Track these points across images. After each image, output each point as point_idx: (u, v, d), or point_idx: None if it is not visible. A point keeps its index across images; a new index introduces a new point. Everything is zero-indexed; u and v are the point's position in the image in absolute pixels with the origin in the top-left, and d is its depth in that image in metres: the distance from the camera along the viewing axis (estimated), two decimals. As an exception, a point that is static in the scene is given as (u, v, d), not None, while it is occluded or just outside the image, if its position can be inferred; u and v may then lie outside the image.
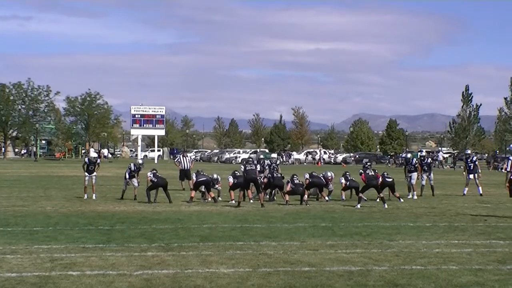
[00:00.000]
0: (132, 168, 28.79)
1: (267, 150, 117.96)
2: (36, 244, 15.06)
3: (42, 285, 10.80)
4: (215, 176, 28.43)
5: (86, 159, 28.54)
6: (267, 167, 27.68)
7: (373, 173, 26.31)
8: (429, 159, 32.12)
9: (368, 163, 28.91)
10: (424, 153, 33.04)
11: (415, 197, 29.32)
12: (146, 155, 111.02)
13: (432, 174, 31.65)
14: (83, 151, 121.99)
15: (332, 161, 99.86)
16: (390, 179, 26.90)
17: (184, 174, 34.21)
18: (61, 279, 11.23)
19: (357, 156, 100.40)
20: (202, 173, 27.29)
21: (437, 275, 11.90)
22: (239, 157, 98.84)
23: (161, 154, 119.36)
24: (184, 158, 34.85)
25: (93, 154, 29.53)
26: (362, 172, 26.48)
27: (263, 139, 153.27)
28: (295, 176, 27.36)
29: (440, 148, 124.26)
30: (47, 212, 22.21)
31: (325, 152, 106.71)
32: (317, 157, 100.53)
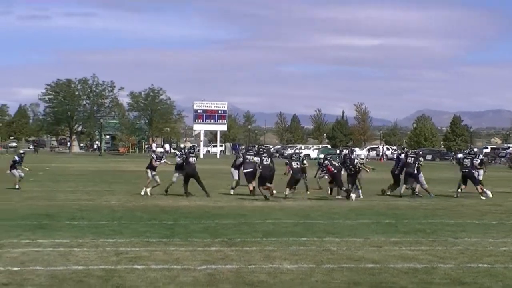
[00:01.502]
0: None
1: (329, 146, 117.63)
2: (102, 237, 15.27)
3: (108, 278, 10.94)
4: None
5: (154, 155, 28.46)
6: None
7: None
8: (482, 156, 30.92)
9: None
10: (475, 150, 32.24)
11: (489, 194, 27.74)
12: (208, 150, 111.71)
13: (482, 171, 30.32)
14: (146, 146, 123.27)
15: (395, 157, 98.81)
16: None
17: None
18: (127, 273, 11.36)
19: (420, 153, 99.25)
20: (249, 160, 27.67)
21: (505, 274, 11.71)
22: (301, 152, 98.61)
23: (223, 149, 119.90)
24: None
25: (159, 149, 29.53)
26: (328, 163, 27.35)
27: (325, 134, 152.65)
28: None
29: (508, 145, 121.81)
30: (112, 206, 22.50)
31: (387, 148, 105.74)
32: (380, 153, 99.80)
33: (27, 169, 31.21)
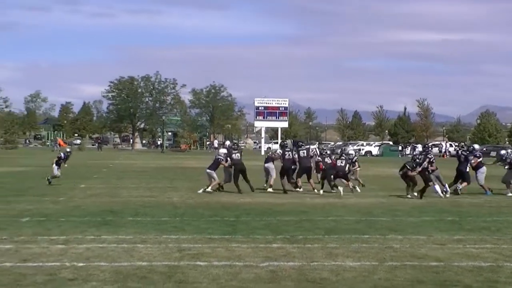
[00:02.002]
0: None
1: (390, 143, 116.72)
2: (164, 234, 15.40)
3: (172, 274, 11.03)
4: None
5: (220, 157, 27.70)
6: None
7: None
8: None
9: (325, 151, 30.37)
10: None
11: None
12: (269, 147, 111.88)
13: None
14: (207, 143, 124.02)
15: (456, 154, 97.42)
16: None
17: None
18: (189, 269, 11.43)
19: (484, 149, 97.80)
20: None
21: None
22: (362, 149, 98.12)
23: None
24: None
25: (223, 150, 29.25)
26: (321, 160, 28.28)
27: (387, 131, 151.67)
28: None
29: None
30: (174, 203, 22.67)
31: (451, 145, 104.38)
32: (443, 149, 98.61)
33: (66, 165, 31.52)
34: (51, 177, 29.92)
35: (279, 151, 29.02)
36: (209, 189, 26.62)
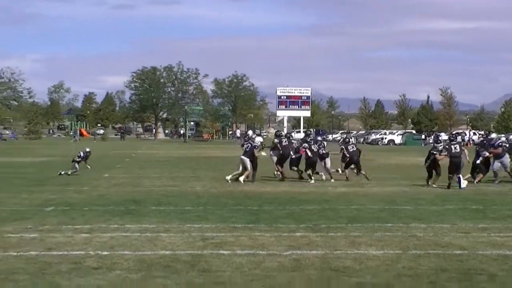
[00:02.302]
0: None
1: (413, 131, 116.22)
2: (188, 223, 15.44)
3: (195, 263, 11.06)
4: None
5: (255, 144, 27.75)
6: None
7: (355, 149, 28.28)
8: None
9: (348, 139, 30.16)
10: None
11: None
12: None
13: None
14: (229, 133, 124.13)
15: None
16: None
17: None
18: (213, 258, 11.46)
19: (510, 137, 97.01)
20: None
21: None
22: (385, 138, 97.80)
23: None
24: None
25: (258, 138, 29.26)
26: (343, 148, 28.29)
27: (409, 120, 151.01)
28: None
29: None
30: (197, 192, 22.72)
31: (474, 133, 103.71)
32: (466, 138, 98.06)
33: (89, 167, 31.56)
34: (65, 172, 29.88)
35: (276, 140, 29.43)
36: (241, 178, 26.16)
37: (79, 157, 31.02)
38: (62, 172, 29.62)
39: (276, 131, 34.90)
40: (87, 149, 32.76)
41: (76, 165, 30.28)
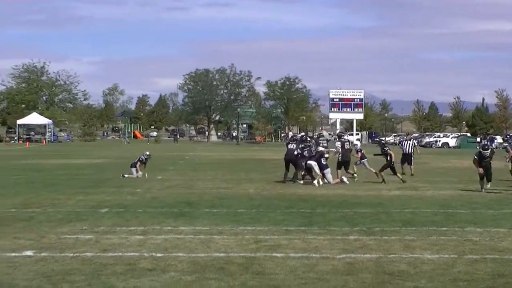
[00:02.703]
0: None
1: (468, 134, 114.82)
2: (241, 225, 15.46)
3: (248, 265, 11.06)
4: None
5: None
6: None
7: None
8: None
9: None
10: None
11: None
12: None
13: None
14: (282, 135, 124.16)
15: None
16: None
17: (405, 159, 33.78)
18: (266, 261, 11.45)
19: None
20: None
21: None
22: (439, 141, 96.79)
23: (360, 138, 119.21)
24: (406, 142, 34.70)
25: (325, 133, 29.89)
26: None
27: (464, 122, 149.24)
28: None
29: None
30: (250, 195, 22.75)
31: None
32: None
33: (146, 176, 30.10)
34: (130, 174, 29.96)
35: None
36: (315, 182, 26.15)
37: (140, 160, 30.58)
38: (126, 175, 29.82)
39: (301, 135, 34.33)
40: (147, 153, 31.94)
41: (134, 170, 30.06)
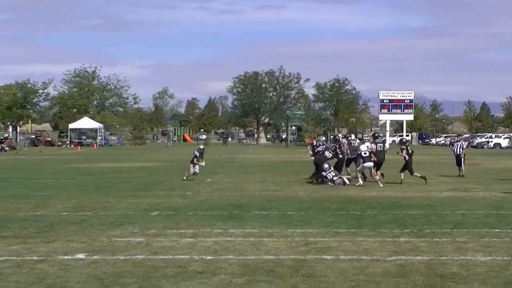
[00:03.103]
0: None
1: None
2: (290, 228, 15.45)
3: (299, 268, 11.05)
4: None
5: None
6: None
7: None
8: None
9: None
10: None
11: None
12: (394, 140, 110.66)
13: None
14: (331, 137, 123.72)
15: None
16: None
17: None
18: (316, 263, 11.42)
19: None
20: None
21: None
22: (491, 141, 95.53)
23: (410, 139, 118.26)
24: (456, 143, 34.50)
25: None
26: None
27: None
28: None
29: None
30: (299, 197, 22.71)
31: None
32: None
33: (203, 164, 31.21)
34: (188, 175, 30.13)
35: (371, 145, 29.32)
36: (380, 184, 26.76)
37: (195, 156, 30.80)
38: (185, 178, 29.88)
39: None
40: (201, 147, 32.95)
41: (191, 166, 30.29)
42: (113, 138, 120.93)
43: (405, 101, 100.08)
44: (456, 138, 34.76)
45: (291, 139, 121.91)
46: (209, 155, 56.72)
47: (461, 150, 32.94)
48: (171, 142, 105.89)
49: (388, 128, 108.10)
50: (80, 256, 12.14)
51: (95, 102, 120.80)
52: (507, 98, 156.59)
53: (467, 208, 19.19)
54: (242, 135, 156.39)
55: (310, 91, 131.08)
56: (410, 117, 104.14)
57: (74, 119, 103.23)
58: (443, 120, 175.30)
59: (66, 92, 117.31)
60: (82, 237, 14.17)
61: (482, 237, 14.05)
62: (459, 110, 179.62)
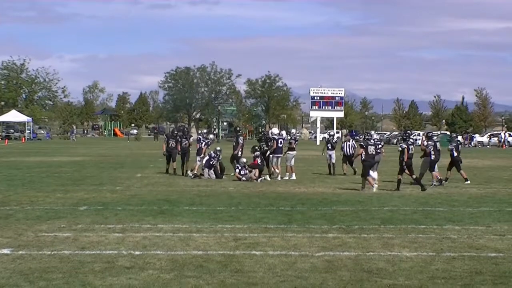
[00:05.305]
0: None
1: (448, 133, 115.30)
2: (220, 223, 15.45)
3: (227, 263, 11.05)
4: None
5: None
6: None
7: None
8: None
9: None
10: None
11: None
12: (324, 137, 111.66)
13: None
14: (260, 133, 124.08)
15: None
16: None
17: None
18: (245, 258, 11.44)
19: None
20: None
21: None
22: (418, 139, 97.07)
23: (339, 135, 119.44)
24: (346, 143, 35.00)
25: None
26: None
27: (443, 121, 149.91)
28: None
29: None
30: (230, 192, 22.73)
31: (510, 135, 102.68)
32: (501, 139, 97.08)
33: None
34: (194, 173, 29.14)
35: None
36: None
37: (212, 157, 29.08)
38: (190, 174, 29.06)
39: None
40: (218, 148, 30.64)
41: (207, 172, 28.81)
42: (42, 132, 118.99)
43: (336, 98, 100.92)
44: (344, 138, 34.08)
45: (223, 134, 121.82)
46: (140, 150, 56.43)
47: (353, 150, 31.24)
48: (75, 137, 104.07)
49: (318, 124, 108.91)
50: (5, 251, 11.92)
51: (24, 95, 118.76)
52: (435, 97, 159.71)
53: (395, 205, 19.46)
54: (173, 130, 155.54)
55: (241, 87, 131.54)
56: (341, 114, 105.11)
57: (2, 113, 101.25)
58: (373, 118, 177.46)
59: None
60: (8, 232, 13.92)
61: (409, 233, 14.27)
62: (388, 107, 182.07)
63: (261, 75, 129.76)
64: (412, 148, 24.85)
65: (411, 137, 27.61)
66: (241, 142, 30.87)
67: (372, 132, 30.25)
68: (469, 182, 26.70)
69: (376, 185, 23.73)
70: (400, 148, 24.60)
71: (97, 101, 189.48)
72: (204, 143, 30.23)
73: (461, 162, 27.87)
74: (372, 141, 24.93)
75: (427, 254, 11.95)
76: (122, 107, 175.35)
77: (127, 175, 29.51)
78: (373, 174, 24.50)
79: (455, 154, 27.66)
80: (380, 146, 27.07)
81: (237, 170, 28.12)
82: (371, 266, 10.96)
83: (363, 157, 24.16)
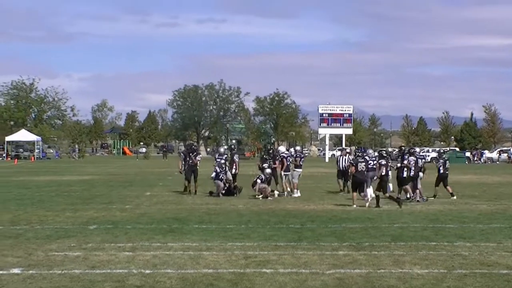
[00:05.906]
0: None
1: (457, 149, 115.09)
2: (230, 241, 15.42)
3: (238, 281, 11.03)
4: None
5: None
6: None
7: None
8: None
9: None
10: None
11: None
12: (333, 154, 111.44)
13: None
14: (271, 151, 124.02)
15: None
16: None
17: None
18: (256, 276, 11.42)
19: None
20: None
21: None
22: (428, 155, 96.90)
23: (350, 152, 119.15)
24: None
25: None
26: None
27: (452, 137, 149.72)
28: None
29: None
30: (239, 210, 22.70)
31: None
32: (511, 155, 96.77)
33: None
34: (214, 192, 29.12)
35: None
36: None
37: (219, 172, 29.38)
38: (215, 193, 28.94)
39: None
40: (221, 151, 31.43)
41: (218, 182, 29.00)
42: (51, 151, 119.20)
43: (344, 115, 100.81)
44: (341, 152, 34.14)
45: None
46: (149, 169, 56.45)
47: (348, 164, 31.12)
48: (77, 155, 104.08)
49: (327, 141, 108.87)
50: (16, 271, 11.93)
51: (33, 114, 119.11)
52: (443, 113, 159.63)
53: (405, 221, 19.41)
54: (182, 148, 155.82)
55: (250, 104, 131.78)
56: (349, 131, 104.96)
57: (11, 132, 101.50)
58: (382, 134, 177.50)
59: (3, 104, 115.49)
60: (18, 251, 13.93)
61: (419, 250, 14.22)
62: (397, 124, 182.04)
63: (269, 92, 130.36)
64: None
65: (415, 153, 27.99)
66: (237, 160, 31.00)
67: (370, 150, 30.01)
68: (455, 197, 26.92)
69: (368, 202, 24.03)
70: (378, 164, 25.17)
71: (106, 119, 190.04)
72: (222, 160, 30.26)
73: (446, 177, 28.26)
74: (363, 158, 25.06)
75: (438, 271, 11.90)
76: (131, 126, 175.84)
77: (136, 193, 29.51)
78: (368, 190, 24.53)
79: (442, 170, 28.28)
80: (373, 162, 26.74)
81: (259, 181, 28.05)
82: (382, 283, 10.92)
83: (352, 173, 24.54)
